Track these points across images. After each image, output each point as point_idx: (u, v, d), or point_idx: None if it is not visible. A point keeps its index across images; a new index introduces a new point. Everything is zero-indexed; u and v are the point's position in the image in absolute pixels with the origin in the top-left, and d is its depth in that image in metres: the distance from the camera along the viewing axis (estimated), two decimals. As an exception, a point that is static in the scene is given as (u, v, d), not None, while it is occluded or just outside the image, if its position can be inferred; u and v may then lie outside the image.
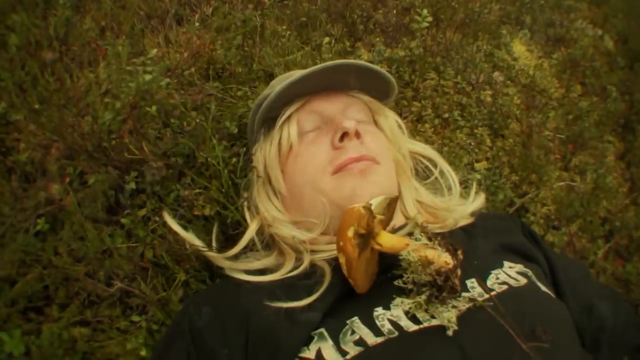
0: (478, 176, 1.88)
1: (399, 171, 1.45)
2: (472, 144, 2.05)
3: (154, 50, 1.59)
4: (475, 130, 2.11)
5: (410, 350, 0.95)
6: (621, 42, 3.74)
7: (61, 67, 1.97)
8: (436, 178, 1.55)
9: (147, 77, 1.41)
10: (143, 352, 1.29)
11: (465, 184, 1.72)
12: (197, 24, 2.22)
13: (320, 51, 2.19)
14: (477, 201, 1.48)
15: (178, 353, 1.10)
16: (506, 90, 2.43)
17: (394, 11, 2.62)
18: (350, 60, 1.36)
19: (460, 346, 0.94)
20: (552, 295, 1.22)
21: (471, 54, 2.48)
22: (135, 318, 1.35)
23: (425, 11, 2.28)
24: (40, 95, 1.79)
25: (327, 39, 2.21)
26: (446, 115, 2.12)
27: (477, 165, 2.00)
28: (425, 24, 2.28)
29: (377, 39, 2.49)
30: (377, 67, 1.39)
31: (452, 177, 1.55)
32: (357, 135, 1.29)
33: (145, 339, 1.31)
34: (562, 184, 2.04)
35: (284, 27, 2.29)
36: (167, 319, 1.35)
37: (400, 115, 2.05)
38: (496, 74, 2.50)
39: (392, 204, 1.16)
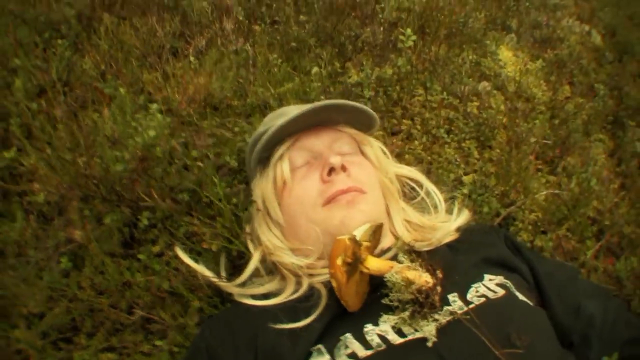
0: (465, 191, 2.02)
1: (386, 194, 1.62)
2: (459, 159, 2.18)
3: (154, 105, 1.75)
4: (463, 144, 2.26)
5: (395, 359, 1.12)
6: (609, 36, 3.85)
7: (66, 110, 2.15)
8: (422, 198, 1.72)
9: (152, 133, 1.58)
10: None
11: (453, 198, 1.90)
12: (192, 58, 2.37)
13: (310, 78, 2.34)
14: (461, 218, 1.64)
15: None
16: (493, 100, 2.57)
17: (381, 28, 2.77)
18: (335, 101, 1.53)
19: (440, 355, 1.10)
20: (530, 303, 1.35)
21: (457, 66, 2.63)
22: (158, 342, 1.52)
23: (409, 30, 2.42)
24: (49, 139, 1.98)
25: (315, 69, 2.36)
26: (434, 131, 2.26)
27: (464, 179, 2.14)
28: (410, 43, 2.42)
29: (366, 58, 2.64)
30: (359, 105, 1.56)
31: (438, 196, 1.72)
32: (344, 168, 1.46)
33: None
34: (544, 193, 2.15)
35: (275, 56, 2.43)
36: (186, 341, 1.52)
37: (391, 134, 2.23)
38: (483, 83, 2.66)
39: (377, 230, 1.33)
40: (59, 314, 1.55)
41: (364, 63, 2.59)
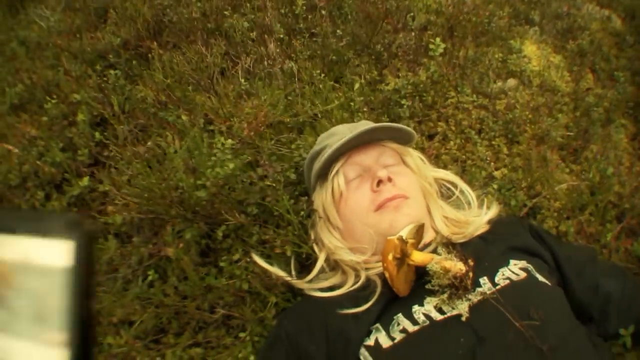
0: (495, 186, 2.27)
1: (427, 196, 1.93)
2: (490, 156, 2.44)
3: (229, 141, 2.05)
4: (493, 142, 2.51)
5: (438, 333, 1.43)
6: (629, 18, 3.96)
7: (130, 139, 2.44)
8: (457, 196, 2.03)
9: (231, 165, 1.90)
10: (251, 358, 1.79)
11: (486, 194, 2.18)
12: (242, 80, 2.66)
13: (352, 89, 2.62)
14: (490, 212, 1.93)
15: (279, 354, 1.60)
16: (519, 96, 2.80)
17: (412, 34, 3.03)
18: (380, 124, 1.85)
19: (472, 328, 1.40)
20: (549, 283, 1.61)
21: (485, 67, 2.88)
22: (241, 334, 1.84)
23: (438, 40, 2.69)
24: (116, 165, 2.28)
25: (357, 86, 2.63)
26: (467, 131, 2.53)
27: (495, 174, 2.39)
28: (440, 51, 2.69)
29: (400, 63, 2.91)
30: (398, 125, 1.88)
31: (470, 194, 2.03)
32: (389, 179, 1.77)
33: (251, 349, 1.81)
34: (563, 185, 2.35)
35: (318, 72, 2.71)
36: (265, 332, 1.85)
37: (428, 137, 2.53)
38: (510, 81, 2.89)
39: (419, 229, 1.65)
40: (147, 319, 1.86)
41: (399, 68, 2.87)
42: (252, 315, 1.85)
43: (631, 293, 1.79)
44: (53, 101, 2.65)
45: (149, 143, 2.36)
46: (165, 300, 1.89)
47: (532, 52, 3.23)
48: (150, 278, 1.94)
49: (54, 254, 0.43)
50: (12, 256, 0.44)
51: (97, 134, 2.46)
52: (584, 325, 1.64)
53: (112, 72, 2.69)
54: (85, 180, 2.25)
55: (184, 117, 2.37)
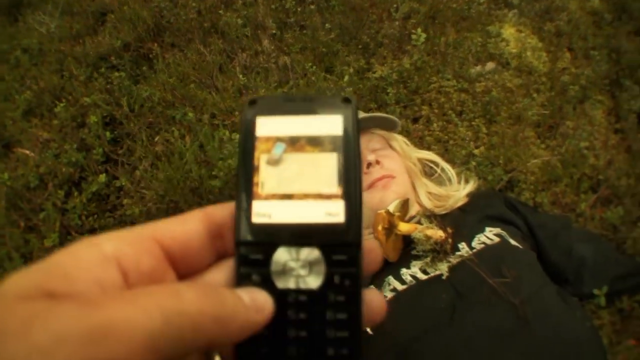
0: (474, 163, 2.52)
1: (412, 174, 2.18)
2: (470, 136, 2.69)
3: (235, 134, 2.33)
4: (473, 122, 2.76)
5: (422, 290, 1.68)
6: None
7: (141, 136, 2.69)
8: (439, 174, 2.29)
9: None
10: None
11: (468, 170, 2.46)
12: (240, 76, 2.91)
13: (343, 79, 2.87)
14: (468, 186, 2.19)
15: None
16: (499, 78, 3.04)
17: (396, 23, 3.28)
18: (367, 115, 2.12)
19: (452, 285, 1.65)
20: (520, 247, 1.81)
21: (465, 52, 3.13)
22: None
23: (419, 30, 2.96)
24: (129, 161, 2.55)
25: (347, 78, 2.87)
26: (449, 113, 2.78)
27: (475, 152, 2.63)
28: (422, 40, 2.96)
29: (386, 51, 3.16)
30: (384, 114, 2.16)
31: (451, 171, 2.28)
32: (377, 162, 2.04)
33: None
34: (535, 160, 2.59)
35: (310, 64, 2.96)
36: None
37: (413, 120, 2.80)
38: (489, 64, 3.13)
39: (405, 204, 1.89)
40: None
41: (385, 56, 3.13)
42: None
43: (604, 256, 2.04)
44: (62, 105, 2.85)
45: (157, 138, 2.63)
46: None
47: (511, 35, 3.42)
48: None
49: (329, 126, 0.55)
50: (302, 131, 0.55)
51: (107, 133, 2.70)
52: (559, 286, 1.85)
53: (116, 73, 2.92)
54: (102, 177, 2.50)
55: (190, 114, 2.63)
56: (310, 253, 0.53)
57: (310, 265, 0.53)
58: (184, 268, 0.52)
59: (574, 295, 1.97)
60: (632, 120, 3.02)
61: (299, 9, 3.41)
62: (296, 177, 0.55)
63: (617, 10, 3.91)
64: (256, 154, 0.55)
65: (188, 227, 0.51)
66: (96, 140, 2.68)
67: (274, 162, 0.55)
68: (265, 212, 0.54)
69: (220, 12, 3.37)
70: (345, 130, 0.56)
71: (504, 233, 1.86)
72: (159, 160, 2.46)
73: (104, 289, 0.43)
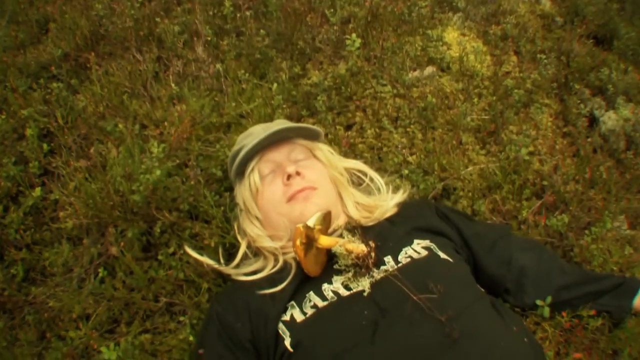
0: (406, 171, 2.58)
1: (338, 184, 2.24)
2: (405, 142, 2.75)
3: (161, 146, 2.41)
4: (408, 129, 2.82)
5: (343, 306, 1.74)
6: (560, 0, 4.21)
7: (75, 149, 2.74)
8: (368, 183, 2.35)
9: (158, 172, 2.26)
10: (191, 338, 2.12)
11: (401, 178, 2.53)
12: (173, 85, 2.98)
13: (274, 91, 2.92)
14: (397, 196, 2.27)
15: (211, 332, 1.90)
16: (437, 82, 3.11)
17: (334, 28, 3.34)
18: (287, 125, 2.19)
19: (375, 301, 1.70)
20: (451, 260, 1.88)
21: (403, 56, 3.19)
22: (181, 318, 2.19)
23: (354, 35, 3.01)
24: (65, 175, 2.59)
25: (275, 86, 2.92)
26: (384, 119, 2.84)
27: (410, 159, 2.68)
28: (357, 46, 3.01)
29: (323, 56, 3.24)
30: (304, 125, 2.25)
31: (379, 180, 2.36)
32: (298, 173, 2.08)
33: (190, 331, 2.15)
34: (472, 168, 2.65)
35: (243, 71, 3.03)
36: (202, 315, 2.19)
37: (346, 127, 2.86)
38: (429, 68, 3.19)
39: (326, 216, 1.99)
40: (101, 312, 2.23)
41: (322, 62, 3.21)
42: (190, 301, 2.21)
43: (548, 265, 2.11)
44: (2, 117, 2.87)
45: (92, 150, 2.68)
46: (115, 294, 2.25)
47: (453, 39, 3.48)
48: (100, 275, 2.30)
49: None
50: None
51: (45, 146, 2.75)
52: (497, 297, 1.95)
53: (55, 84, 2.96)
54: (38, 191, 2.56)
55: (120, 126, 2.68)
56: None
57: None
58: None
59: (516, 306, 2.07)
60: (581, 124, 3.12)
61: (238, 15, 3.46)
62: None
63: (569, 13, 4.06)
64: None
65: None
66: (33, 154, 2.73)
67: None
68: None
69: (158, 19, 3.42)
70: None
71: (432, 245, 1.94)
72: (89, 173, 2.52)
73: None
